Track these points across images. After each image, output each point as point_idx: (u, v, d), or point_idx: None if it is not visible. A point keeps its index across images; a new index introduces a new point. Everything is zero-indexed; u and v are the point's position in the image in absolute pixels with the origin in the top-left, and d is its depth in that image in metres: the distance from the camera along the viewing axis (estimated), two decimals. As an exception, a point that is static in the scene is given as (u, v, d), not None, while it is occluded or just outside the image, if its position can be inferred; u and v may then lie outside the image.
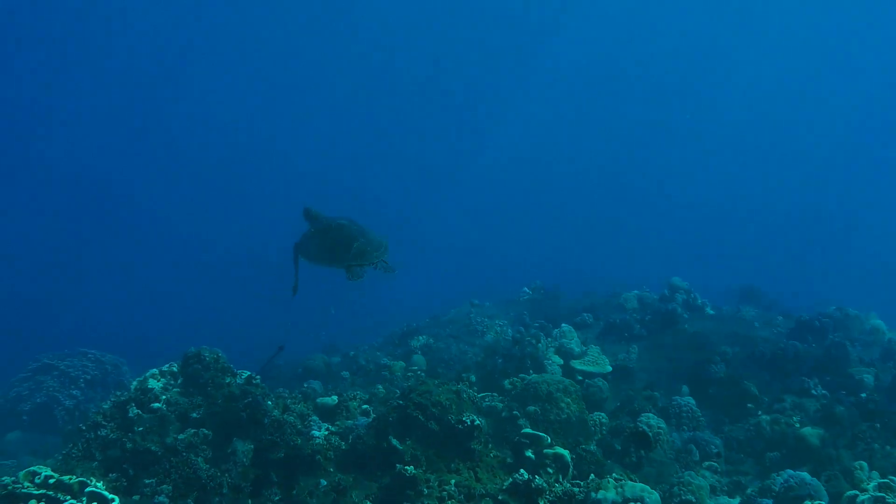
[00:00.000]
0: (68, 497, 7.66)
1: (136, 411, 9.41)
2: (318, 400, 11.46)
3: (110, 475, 8.58)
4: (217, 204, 63.82)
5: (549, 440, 9.71)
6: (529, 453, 9.52)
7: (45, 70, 66.63)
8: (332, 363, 18.39)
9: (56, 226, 56.88)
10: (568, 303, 21.04)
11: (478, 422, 9.35)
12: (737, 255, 57.16)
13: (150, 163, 68.02)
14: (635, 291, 19.89)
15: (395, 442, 9.20)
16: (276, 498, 8.80)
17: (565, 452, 9.60)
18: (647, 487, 8.78)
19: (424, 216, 67.34)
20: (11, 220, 55.52)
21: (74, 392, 20.30)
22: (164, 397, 9.92)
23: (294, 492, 8.92)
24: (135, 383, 10.58)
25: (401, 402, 9.70)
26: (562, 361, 15.16)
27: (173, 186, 66.33)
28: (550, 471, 9.46)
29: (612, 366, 15.28)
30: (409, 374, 16.13)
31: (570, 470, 9.62)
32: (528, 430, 9.77)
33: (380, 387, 13.30)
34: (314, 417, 10.72)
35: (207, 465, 8.88)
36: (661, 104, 79.88)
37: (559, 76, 78.57)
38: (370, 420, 10.49)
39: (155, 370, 10.81)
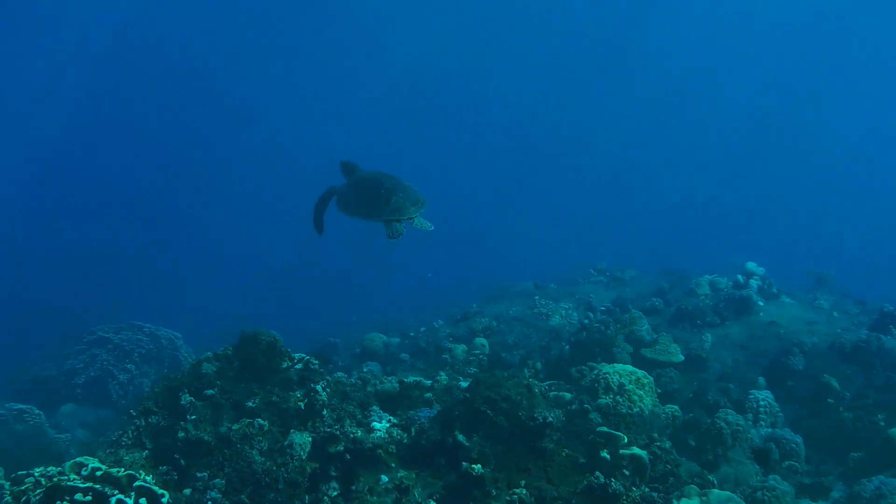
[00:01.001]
0: (116, 492, 7.18)
1: (189, 398, 8.91)
2: (379, 387, 10.90)
3: (160, 468, 8.10)
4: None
5: (626, 439, 9.04)
6: (605, 454, 8.86)
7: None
8: (390, 344, 17.88)
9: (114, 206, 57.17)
10: (635, 286, 20.26)
11: (550, 419, 8.72)
12: (800, 241, 55.56)
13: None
14: (707, 276, 19.03)
15: (461, 438, 8.60)
16: (334, 494, 8.27)
17: (643, 453, 8.93)
18: (735, 497, 8.13)
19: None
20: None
21: (129, 366, 20.05)
22: (218, 383, 9.41)
23: (353, 487, 8.38)
24: (188, 367, 10.11)
25: (468, 395, 9.08)
26: (631, 349, 14.47)
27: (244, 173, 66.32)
28: (627, 472, 8.80)
29: (683, 355, 14.57)
30: (472, 357, 15.55)
31: (648, 472, 8.95)
32: (604, 429, 9.10)
33: (442, 374, 12.69)
34: (375, 407, 10.16)
35: (263, 459, 8.36)
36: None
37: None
38: (433, 412, 9.91)
39: (209, 353, 10.31)
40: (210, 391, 9.13)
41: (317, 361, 10.73)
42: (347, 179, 10.57)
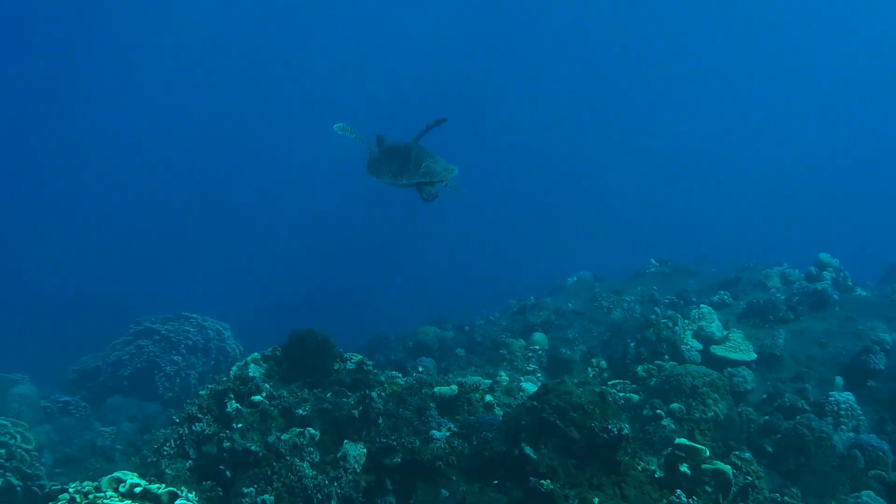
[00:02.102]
0: (155, 510, 6.64)
1: (234, 405, 8.29)
2: (436, 389, 10.19)
3: (204, 483, 7.49)
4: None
5: (708, 452, 8.26)
6: (685, 468, 8.09)
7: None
8: (445, 338, 17.21)
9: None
10: (699, 278, 19.36)
11: (626, 430, 7.96)
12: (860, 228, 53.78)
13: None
14: (777, 268, 18.06)
15: (528, 450, 7.88)
16: (391, 509, 7.64)
17: (727, 469, 8.15)
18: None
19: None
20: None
21: (175, 358, 19.63)
22: (266, 386, 8.79)
23: (411, 502, 7.73)
24: (234, 369, 9.49)
25: (535, 403, 8.35)
26: (700, 347, 13.67)
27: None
28: (709, 490, 8.03)
29: (756, 353, 13.73)
30: (530, 353, 14.84)
31: (732, 490, 8.17)
32: (684, 441, 8.33)
33: (503, 374, 12.01)
34: (433, 412, 9.46)
35: (314, 472, 7.72)
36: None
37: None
38: (496, 418, 9.22)
39: (257, 354, 9.72)
40: (257, 397, 8.50)
41: (370, 362, 10.10)
42: (379, 148, 10.75)
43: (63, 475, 14.31)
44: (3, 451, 11.99)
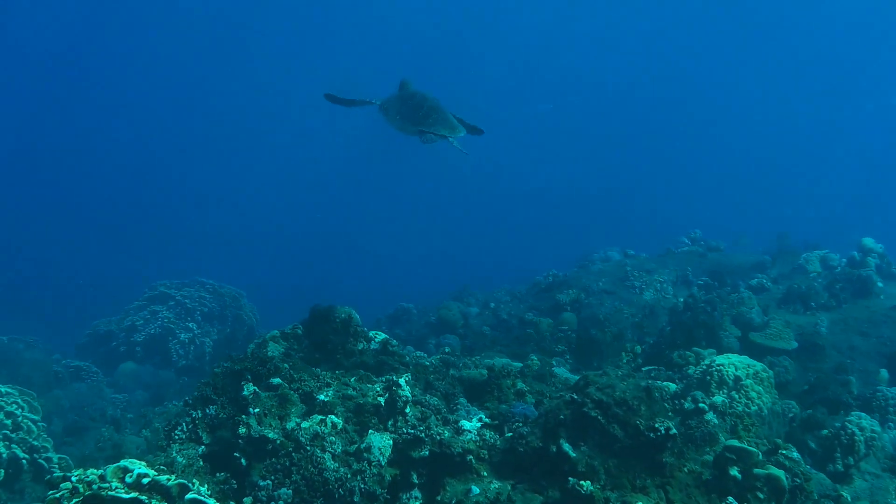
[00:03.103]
0: (165, 504, 6.09)
1: (252, 388, 7.70)
2: (464, 373, 9.60)
3: (218, 475, 6.92)
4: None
5: (761, 456, 7.65)
6: (735, 472, 7.49)
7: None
8: (469, 314, 16.61)
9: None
10: (732, 258, 18.63)
11: (673, 430, 7.35)
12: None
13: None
14: (817, 252, 17.30)
15: (566, 447, 7.29)
16: (417, 504, 7.08)
17: (780, 474, 7.54)
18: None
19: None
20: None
21: (190, 325, 19.16)
22: (285, 366, 8.20)
23: (438, 498, 7.15)
24: (252, 346, 8.95)
25: (575, 396, 7.72)
26: (739, 333, 13.02)
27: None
28: (761, 496, 7.44)
29: (797, 341, 13.08)
30: (559, 334, 14.22)
31: (786, 497, 7.56)
32: (735, 443, 7.72)
33: (534, 357, 11.36)
34: (461, 399, 8.88)
35: (336, 464, 7.14)
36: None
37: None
38: (529, 408, 8.62)
39: (276, 332, 9.16)
40: (276, 380, 7.91)
41: (395, 342, 9.53)
42: (399, 91, 10.87)
43: (72, 445, 13.91)
44: (8, 421, 11.50)
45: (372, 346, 9.33)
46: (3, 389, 11.94)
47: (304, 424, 7.46)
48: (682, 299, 15.69)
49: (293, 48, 71.54)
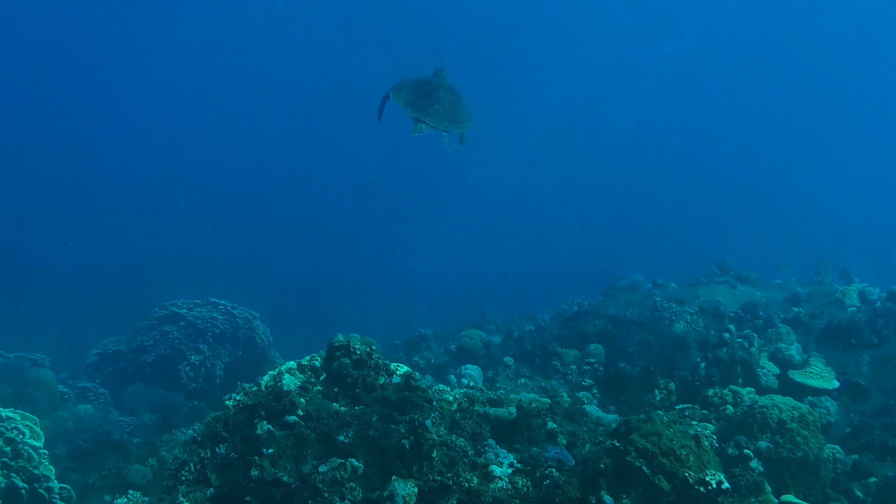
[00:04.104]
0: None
1: (266, 426, 7.11)
2: (491, 411, 8.98)
3: (226, 524, 6.33)
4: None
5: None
6: (791, 530, 6.86)
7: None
8: (491, 343, 15.99)
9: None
10: (765, 289, 17.95)
11: (726, 484, 6.72)
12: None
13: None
14: (855, 285, 16.61)
15: (608, 500, 6.67)
16: (443, 560, 6.47)
17: (840, 533, 6.91)
18: None
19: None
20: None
21: (201, 346, 18.64)
22: (302, 402, 7.60)
23: (465, 552, 6.55)
24: (266, 379, 8.34)
25: (616, 443, 7.10)
26: (778, 371, 12.37)
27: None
28: (819, 557, 6.81)
29: (838, 380, 12.42)
30: (586, 367, 13.59)
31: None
32: (791, 498, 7.09)
33: (564, 394, 10.77)
34: (489, 440, 8.24)
35: (356, 513, 6.54)
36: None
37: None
38: (562, 452, 7.98)
39: (292, 364, 8.57)
40: (292, 417, 7.32)
41: (418, 376, 8.92)
42: (434, 75, 10.77)
43: (76, 472, 13.39)
44: (8, 448, 10.94)
45: (394, 381, 8.73)
46: (3, 414, 11.38)
47: (322, 468, 6.86)
48: (713, 332, 15.07)
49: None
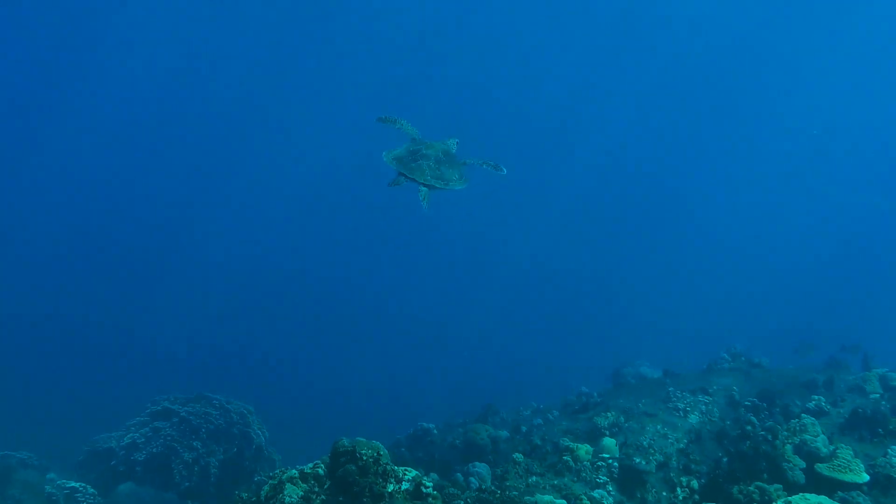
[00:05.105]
0: None
1: (266, 547, 6.50)
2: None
3: None
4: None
5: None
6: None
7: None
8: (498, 439, 15.35)
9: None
10: (779, 376, 17.37)
11: None
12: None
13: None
14: (876, 370, 16.02)
15: None
16: None
17: None
18: None
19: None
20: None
21: (195, 444, 17.89)
22: (304, 514, 7.01)
23: None
24: (266, 489, 7.74)
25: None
26: (804, 465, 11.71)
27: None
28: None
29: (868, 474, 11.77)
30: (599, 463, 12.92)
31: None
32: None
33: (584, 499, 10.09)
34: (508, 555, 7.64)
35: None
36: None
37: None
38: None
39: (294, 472, 7.97)
40: (295, 536, 6.72)
41: (429, 483, 8.32)
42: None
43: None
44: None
45: (403, 487, 8.13)
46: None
47: None
48: (728, 422, 14.46)
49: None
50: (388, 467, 8.16)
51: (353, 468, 7.87)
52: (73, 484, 17.37)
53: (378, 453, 8.12)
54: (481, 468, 13.26)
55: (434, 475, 14.07)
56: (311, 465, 8.11)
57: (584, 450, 13.35)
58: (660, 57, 67.69)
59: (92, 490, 17.36)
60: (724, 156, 74.76)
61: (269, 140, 68.44)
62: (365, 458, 7.97)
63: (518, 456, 13.37)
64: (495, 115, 69.57)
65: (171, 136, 66.59)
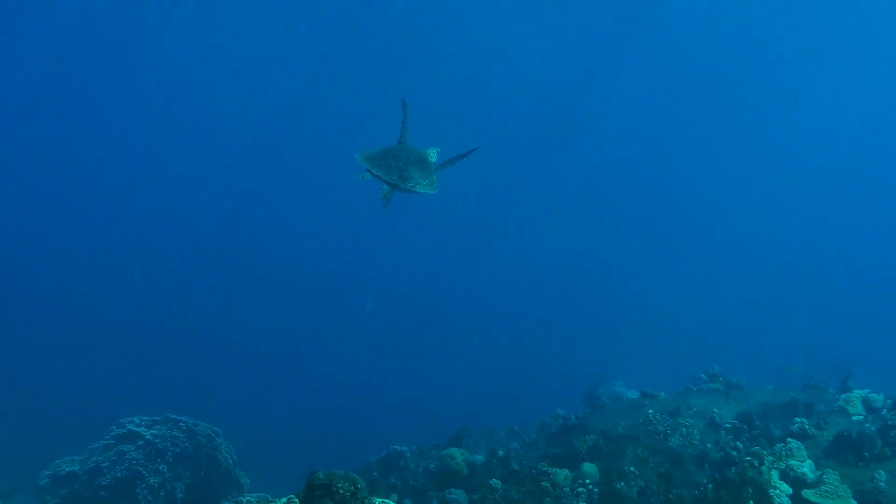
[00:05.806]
0: None
1: (238, 592, 6.09)
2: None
3: None
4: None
5: None
6: None
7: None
8: (474, 464, 14.95)
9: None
10: (757, 396, 17.13)
11: None
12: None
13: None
14: (858, 392, 15.77)
15: None
16: None
17: None
18: None
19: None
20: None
21: (161, 467, 17.38)
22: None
23: None
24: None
25: None
26: (791, 491, 11.48)
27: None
28: None
29: (855, 499, 11.54)
30: (579, 488, 12.58)
31: None
32: None
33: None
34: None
35: None
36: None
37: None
38: None
39: (265, 506, 7.57)
40: (269, 579, 6.32)
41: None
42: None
43: None
44: None
45: (381, 520, 7.76)
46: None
47: None
48: (710, 445, 14.20)
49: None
50: (367, 501, 7.78)
51: (330, 502, 7.48)
52: (33, 511, 16.86)
53: (355, 486, 7.72)
54: (458, 494, 12.90)
55: (408, 501, 13.68)
56: (284, 499, 7.72)
57: (562, 475, 13.02)
58: (663, 57, 67.86)
59: (54, 517, 16.85)
60: (723, 158, 74.82)
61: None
62: (342, 491, 7.58)
63: (495, 481, 13.01)
64: (495, 115, 69.58)
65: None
